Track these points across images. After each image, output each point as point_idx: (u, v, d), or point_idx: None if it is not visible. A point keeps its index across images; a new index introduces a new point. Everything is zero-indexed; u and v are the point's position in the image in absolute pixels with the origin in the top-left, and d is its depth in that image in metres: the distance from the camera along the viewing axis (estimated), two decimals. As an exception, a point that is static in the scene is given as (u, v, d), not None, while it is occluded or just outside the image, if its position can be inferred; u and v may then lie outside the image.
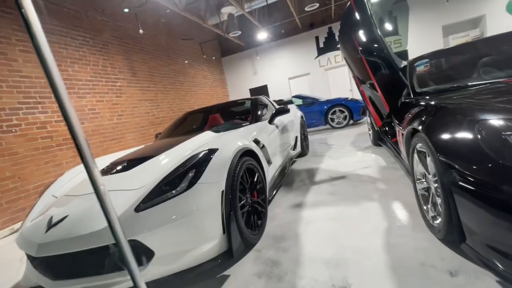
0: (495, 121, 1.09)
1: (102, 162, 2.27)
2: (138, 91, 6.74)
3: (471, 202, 1.05)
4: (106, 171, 1.95)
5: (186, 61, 9.20)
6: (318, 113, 6.87)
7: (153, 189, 1.47)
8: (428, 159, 1.41)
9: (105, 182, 1.71)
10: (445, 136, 1.24)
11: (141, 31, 6.10)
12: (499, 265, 0.98)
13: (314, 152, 4.47)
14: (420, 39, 9.02)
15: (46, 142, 4.31)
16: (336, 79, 10.68)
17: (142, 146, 2.84)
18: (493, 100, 1.45)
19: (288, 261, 1.54)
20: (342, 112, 6.72)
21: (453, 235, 1.22)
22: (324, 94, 9.97)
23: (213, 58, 11.31)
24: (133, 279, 0.68)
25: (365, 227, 1.74)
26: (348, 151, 4.02)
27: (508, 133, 1.01)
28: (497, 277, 1.07)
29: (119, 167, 1.97)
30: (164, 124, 7.32)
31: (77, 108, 5.04)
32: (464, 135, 1.14)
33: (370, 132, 4.15)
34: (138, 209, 1.37)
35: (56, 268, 1.39)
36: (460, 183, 1.08)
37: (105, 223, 1.31)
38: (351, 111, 6.63)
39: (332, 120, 6.82)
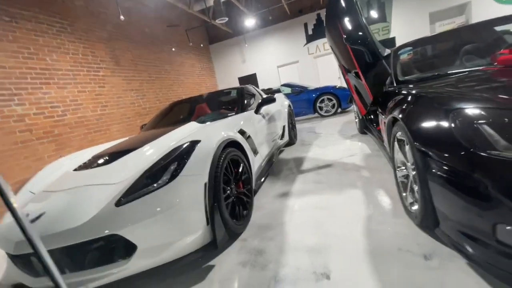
0: (470, 110, 1.11)
1: (84, 155, 2.22)
2: (123, 81, 6.53)
3: (444, 188, 1.08)
4: (87, 165, 1.90)
5: (173, 49, 8.93)
6: (307, 101, 6.88)
7: (134, 182, 1.45)
8: (407, 148, 1.44)
9: (80, 178, 1.67)
10: (422, 125, 1.26)
11: (122, 17, 5.84)
12: (469, 249, 1.03)
13: (302, 141, 4.50)
14: (407, 26, 9.04)
15: (26, 136, 4.15)
16: (325, 66, 10.65)
17: (126, 138, 2.78)
18: (471, 89, 1.48)
19: (272, 249, 1.57)
20: (330, 100, 6.75)
21: (429, 220, 1.27)
22: (313, 82, 9.95)
23: (201, 45, 11.03)
24: None
25: (348, 214, 1.78)
26: (335, 140, 4.07)
27: (480, 121, 1.03)
28: (467, 260, 1.12)
29: (100, 161, 1.92)
30: (151, 114, 7.17)
31: (58, 99, 4.86)
32: (440, 124, 1.16)
33: (356, 120, 4.20)
34: (119, 203, 1.35)
35: (36, 265, 1.37)
36: (434, 170, 1.11)
37: (83, 219, 1.29)
38: (339, 99, 6.67)
39: (321, 108, 6.85)
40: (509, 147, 0.91)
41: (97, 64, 5.86)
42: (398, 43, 9.16)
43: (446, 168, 1.06)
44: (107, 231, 1.27)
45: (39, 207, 1.45)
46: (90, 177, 1.65)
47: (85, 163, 2.00)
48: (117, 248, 1.32)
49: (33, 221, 1.35)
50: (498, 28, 2.40)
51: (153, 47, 8.02)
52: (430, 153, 1.15)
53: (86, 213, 1.32)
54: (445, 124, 1.13)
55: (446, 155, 1.07)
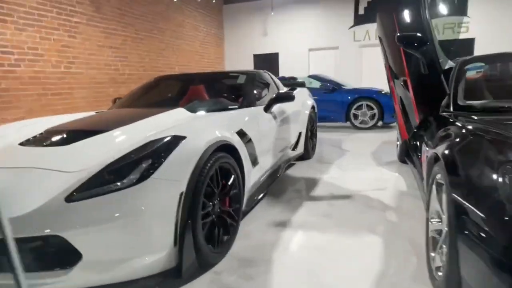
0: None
1: (34, 126, 2.32)
2: (100, 34, 6.72)
3: (477, 257, 1.17)
4: (37, 141, 2.03)
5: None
6: (339, 104, 6.97)
7: (94, 175, 1.56)
8: (444, 195, 1.52)
9: (26, 157, 1.76)
10: (466, 171, 1.35)
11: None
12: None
13: (321, 156, 4.60)
14: (491, 25, 8.99)
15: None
16: (373, 61, 10.67)
17: (93, 112, 2.92)
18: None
19: (250, 292, 1.68)
20: (370, 108, 6.81)
21: (452, 293, 1.35)
22: (352, 79, 10.00)
23: (213, 1, 11.14)
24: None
25: (356, 266, 1.87)
26: (364, 163, 4.16)
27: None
28: None
29: (55, 138, 2.05)
30: (130, 84, 7.35)
31: (13, 44, 5.05)
32: (487, 176, 1.25)
33: (398, 142, 4.27)
34: (70, 198, 1.46)
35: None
36: (468, 232, 1.20)
37: (22, 210, 1.41)
38: (383, 109, 6.70)
39: (356, 116, 6.92)
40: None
41: (71, 7, 6.05)
42: (478, 47, 9.17)
43: (482, 233, 1.15)
44: (48, 230, 1.39)
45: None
46: (40, 158, 1.78)
47: (35, 137, 2.12)
48: (57, 253, 1.44)
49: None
50: None
51: (149, -5, 8.21)
52: (467, 209, 1.23)
53: (27, 202, 1.44)
54: (493, 178, 1.21)
55: (487, 218, 1.15)
